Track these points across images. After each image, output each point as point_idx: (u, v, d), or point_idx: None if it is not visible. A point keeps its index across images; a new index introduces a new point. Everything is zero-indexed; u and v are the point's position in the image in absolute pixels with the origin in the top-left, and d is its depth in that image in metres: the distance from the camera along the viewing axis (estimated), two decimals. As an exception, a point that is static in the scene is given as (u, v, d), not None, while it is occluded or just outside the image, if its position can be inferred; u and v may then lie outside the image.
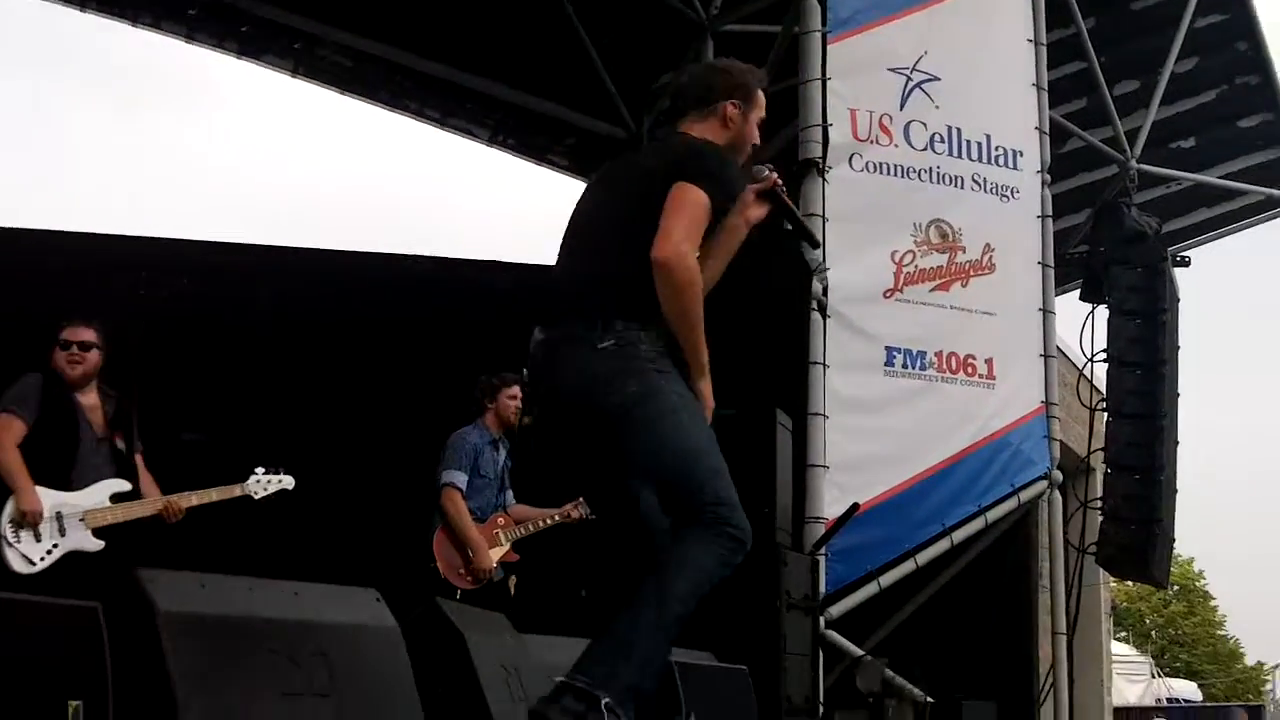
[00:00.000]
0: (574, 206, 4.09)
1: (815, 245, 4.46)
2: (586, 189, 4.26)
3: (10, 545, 5.64)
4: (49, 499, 5.75)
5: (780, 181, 4.06)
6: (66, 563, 5.74)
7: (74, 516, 5.79)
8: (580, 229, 3.98)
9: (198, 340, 8.97)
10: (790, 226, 4.30)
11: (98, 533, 5.85)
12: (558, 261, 3.98)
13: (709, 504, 3.65)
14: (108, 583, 3.24)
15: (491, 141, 12.59)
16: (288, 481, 6.37)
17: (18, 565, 5.63)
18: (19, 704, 2.51)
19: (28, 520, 5.66)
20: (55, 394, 5.99)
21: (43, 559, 5.69)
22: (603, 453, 3.81)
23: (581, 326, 3.73)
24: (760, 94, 4.07)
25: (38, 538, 5.69)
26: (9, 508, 5.68)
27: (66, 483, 5.87)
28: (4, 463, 5.74)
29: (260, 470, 6.34)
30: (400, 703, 3.90)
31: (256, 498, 6.31)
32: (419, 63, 11.45)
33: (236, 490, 6.27)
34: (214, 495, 6.21)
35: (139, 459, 6.23)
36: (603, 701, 3.43)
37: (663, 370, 3.71)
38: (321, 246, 9.57)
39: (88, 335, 6.10)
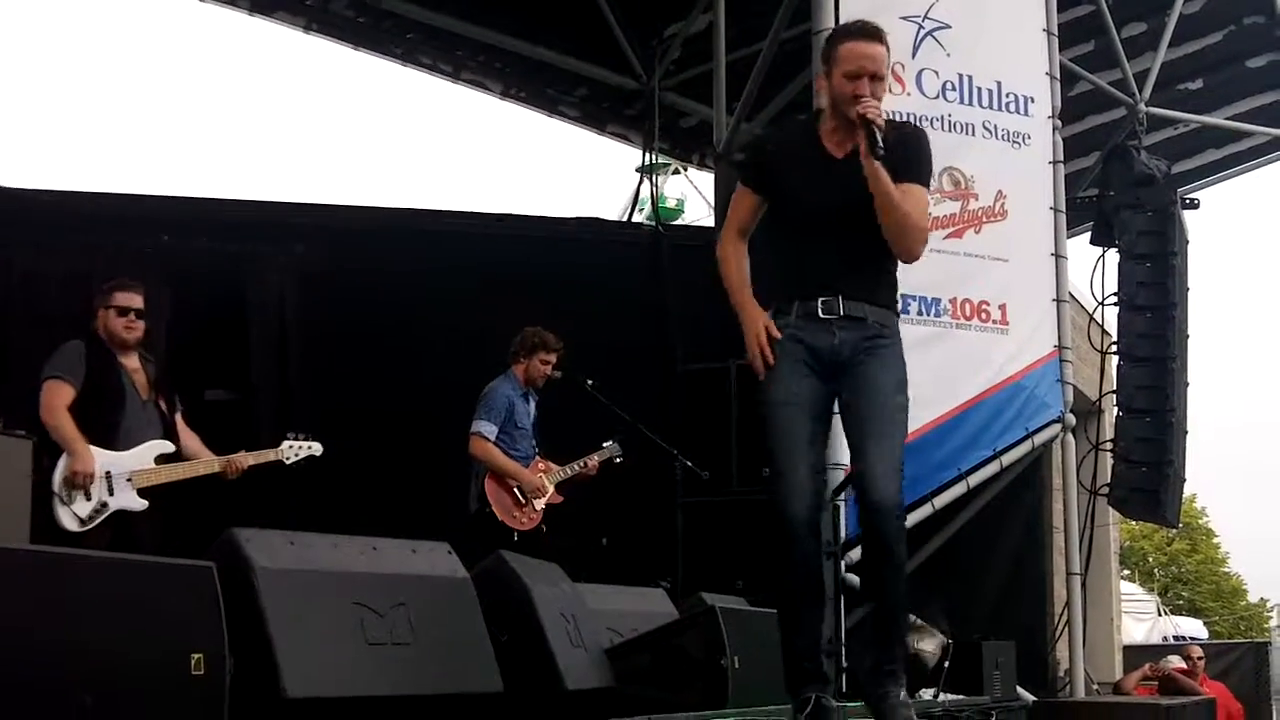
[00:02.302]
0: None
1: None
2: None
3: (63, 504, 5.84)
4: (99, 459, 5.93)
5: (867, 111, 4.25)
6: (113, 521, 5.94)
7: (121, 477, 5.97)
8: None
9: (222, 300, 9.08)
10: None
11: (142, 493, 6.04)
12: None
13: None
14: (207, 542, 3.41)
15: (504, 95, 12.62)
16: (316, 448, 6.56)
17: (68, 523, 5.83)
18: (146, 657, 2.67)
19: (80, 480, 5.84)
20: (99, 358, 6.16)
21: (91, 517, 5.88)
22: None
23: None
24: (841, 49, 4.38)
25: (88, 496, 5.88)
26: (62, 466, 5.86)
27: (113, 443, 6.03)
28: (57, 425, 5.92)
29: (290, 436, 6.53)
30: (474, 650, 4.07)
31: (288, 463, 6.51)
32: (431, 17, 11.43)
33: (271, 455, 6.47)
34: (270, 456, 6.43)
35: (179, 420, 6.39)
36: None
37: None
38: (347, 203, 9.65)
39: (139, 300, 6.24)
